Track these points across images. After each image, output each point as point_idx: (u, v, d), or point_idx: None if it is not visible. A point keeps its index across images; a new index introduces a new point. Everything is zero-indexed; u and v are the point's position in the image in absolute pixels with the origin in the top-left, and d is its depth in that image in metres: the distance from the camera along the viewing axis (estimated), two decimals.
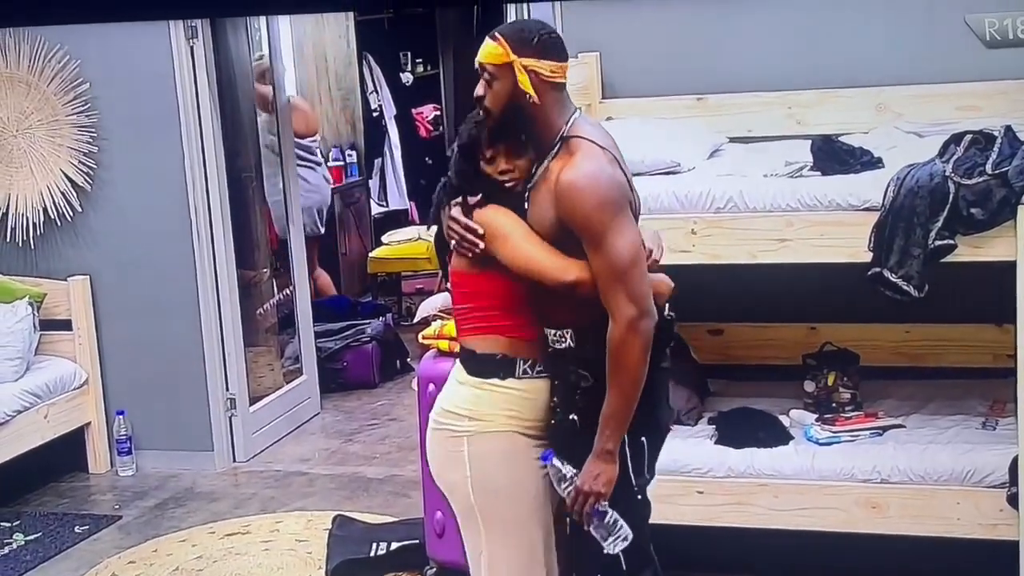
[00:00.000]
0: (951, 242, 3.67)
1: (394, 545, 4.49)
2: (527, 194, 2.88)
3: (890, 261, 3.72)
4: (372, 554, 4.48)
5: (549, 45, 2.85)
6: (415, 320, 4.91)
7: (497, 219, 2.87)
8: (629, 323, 2.74)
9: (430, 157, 9.08)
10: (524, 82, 2.80)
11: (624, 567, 2.88)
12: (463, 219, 2.88)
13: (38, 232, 5.69)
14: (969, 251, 3.67)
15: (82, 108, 5.57)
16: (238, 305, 5.79)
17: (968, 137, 3.78)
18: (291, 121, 6.60)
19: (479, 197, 2.89)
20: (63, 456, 5.67)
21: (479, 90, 2.87)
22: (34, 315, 5.55)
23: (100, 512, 5.31)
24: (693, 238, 3.86)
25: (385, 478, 5.46)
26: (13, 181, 5.70)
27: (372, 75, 8.88)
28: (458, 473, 2.95)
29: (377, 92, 8.91)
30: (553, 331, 2.89)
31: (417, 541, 4.36)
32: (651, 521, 3.01)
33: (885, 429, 4.11)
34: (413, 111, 9.25)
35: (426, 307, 4.44)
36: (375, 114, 8.91)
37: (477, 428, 2.91)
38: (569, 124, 2.86)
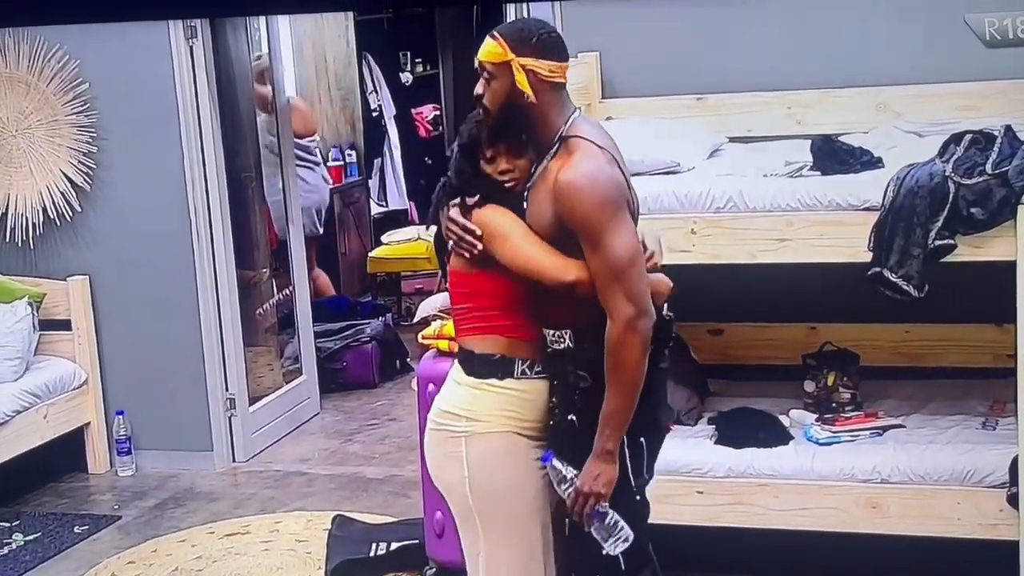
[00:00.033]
0: (951, 242, 3.67)
1: (394, 545, 4.49)
2: (526, 194, 2.88)
3: (890, 261, 3.71)
4: (372, 554, 4.48)
5: (548, 45, 2.85)
6: (415, 320, 4.91)
7: (496, 219, 2.86)
8: (627, 322, 2.73)
9: (430, 157, 9.08)
10: (522, 81, 2.80)
11: (623, 567, 2.88)
12: (461, 220, 2.88)
13: (38, 232, 5.69)
14: (969, 251, 3.67)
15: (81, 108, 5.56)
16: (238, 305, 5.78)
17: (968, 137, 3.78)
18: (290, 121, 6.60)
19: (477, 198, 2.89)
20: (63, 456, 5.67)
21: (478, 89, 2.87)
22: (33, 315, 5.55)
23: (99, 512, 5.30)
24: (693, 238, 3.86)
25: (385, 478, 5.45)
26: (13, 181, 5.70)
27: (372, 75, 8.87)
28: (456, 474, 2.94)
29: (377, 92, 8.91)
30: (552, 331, 2.89)
31: (417, 541, 4.36)
32: (650, 521, 3.01)
33: (885, 429, 4.11)
34: (413, 111, 9.25)
35: (426, 307, 4.43)
36: (375, 114, 8.91)
37: (475, 428, 2.90)
38: (568, 124, 2.85)
